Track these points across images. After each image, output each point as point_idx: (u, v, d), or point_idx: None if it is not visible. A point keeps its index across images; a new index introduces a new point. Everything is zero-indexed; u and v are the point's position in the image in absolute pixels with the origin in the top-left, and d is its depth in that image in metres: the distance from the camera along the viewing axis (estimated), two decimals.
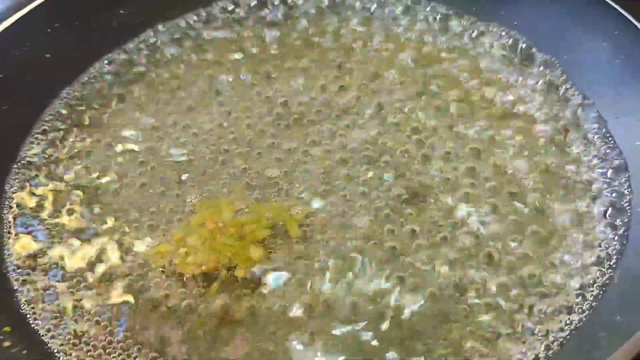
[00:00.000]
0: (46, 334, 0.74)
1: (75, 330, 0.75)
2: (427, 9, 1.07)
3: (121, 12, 1.04)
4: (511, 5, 1.02)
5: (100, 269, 0.79)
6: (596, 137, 0.89)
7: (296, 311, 0.75)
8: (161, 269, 0.78)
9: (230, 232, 0.79)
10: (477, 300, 0.74)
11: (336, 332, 0.73)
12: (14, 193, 0.87)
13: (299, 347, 0.72)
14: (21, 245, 0.82)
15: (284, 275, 0.77)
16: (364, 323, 0.73)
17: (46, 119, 0.95)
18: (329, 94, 0.96)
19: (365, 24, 1.07)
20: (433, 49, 1.02)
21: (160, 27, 1.07)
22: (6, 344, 0.70)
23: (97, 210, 0.85)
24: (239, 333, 0.73)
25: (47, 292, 0.78)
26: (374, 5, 1.09)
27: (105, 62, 1.02)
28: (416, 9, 1.08)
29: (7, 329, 0.72)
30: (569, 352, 0.70)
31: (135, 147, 0.91)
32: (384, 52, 1.03)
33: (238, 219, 0.81)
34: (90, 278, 0.79)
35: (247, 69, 1.01)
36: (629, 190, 0.83)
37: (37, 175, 0.89)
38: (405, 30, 1.06)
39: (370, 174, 0.86)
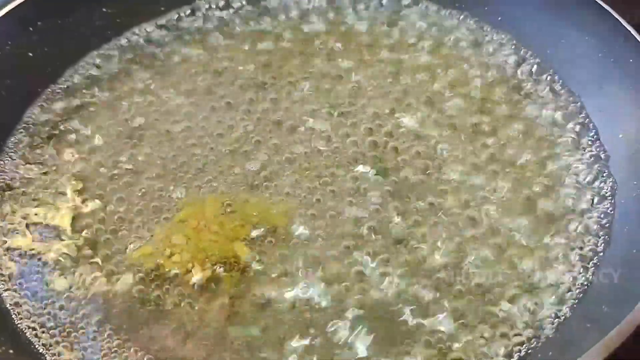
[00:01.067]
0: (32, 334, 0.74)
1: (62, 330, 0.74)
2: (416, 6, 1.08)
3: (104, 10, 1.04)
4: (495, 1, 1.03)
5: (88, 269, 0.79)
6: (580, 130, 0.89)
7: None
8: (149, 269, 0.78)
9: (215, 230, 0.79)
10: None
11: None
12: None
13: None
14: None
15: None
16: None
17: (28, 118, 0.94)
18: (317, 92, 0.96)
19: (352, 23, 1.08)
20: (412, 41, 1.03)
21: (144, 25, 1.06)
22: None
23: (78, 213, 0.84)
24: (231, 332, 0.74)
25: (33, 292, 0.77)
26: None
27: (88, 61, 1.02)
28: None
29: None
30: (555, 342, 0.70)
31: (120, 147, 0.91)
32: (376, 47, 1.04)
33: (222, 216, 0.81)
34: (78, 279, 0.78)
35: (233, 67, 1.01)
36: (613, 183, 0.83)
37: (19, 175, 0.88)
38: (394, 22, 1.07)
39: (358, 169, 0.86)
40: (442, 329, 0.72)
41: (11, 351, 0.70)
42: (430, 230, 0.80)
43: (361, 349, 0.71)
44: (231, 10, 1.09)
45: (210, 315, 0.74)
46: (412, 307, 0.74)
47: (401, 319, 0.73)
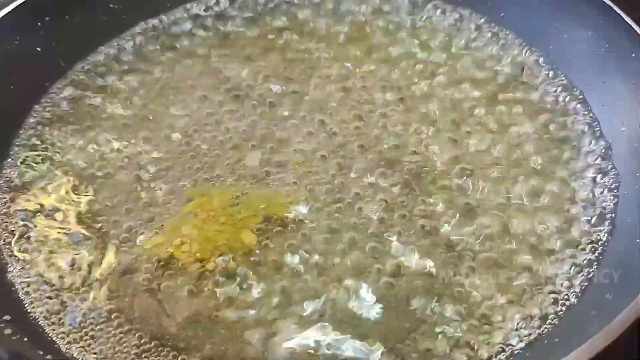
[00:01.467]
0: (45, 323, 0.75)
1: (74, 319, 0.75)
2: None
3: (111, 6, 1.05)
4: None
5: (98, 259, 0.80)
6: (582, 124, 0.91)
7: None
8: (158, 259, 0.79)
9: (223, 221, 0.80)
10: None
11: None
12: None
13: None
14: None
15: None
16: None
17: (36, 113, 0.95)
18: (324, 86, 0.98)
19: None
20: (414, 38, 1.05)
21: (151, 20, 1.07)
22: (7, 331, 0.70)
23: (89, 203, 0.85)
24: (237, 319, 0.74)
25: (45, 282, 0.78)
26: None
27: (96, 56, 1.03)
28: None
29: (6, 317, 0.72)
30: (561, 329, 0.72)
31: (128, 140, 0.92)
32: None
33: (230, 208, 0.82)
34: (88, 269, 0.79)
35: (237, 62, 1.02)
36: (615, 174, 0.85)
37: (26, 171, 0.89)
38: (389, 17, 1.09)
39: (363, 162, 0.87)
40: (451, 315, 0.74)
41: (25, 339, 0.71)
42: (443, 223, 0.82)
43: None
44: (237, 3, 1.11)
45: (220, 304, 0.75)
46: (419, 298, 0.75)
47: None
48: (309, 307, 0.74)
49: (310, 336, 0.72)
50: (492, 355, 0.71)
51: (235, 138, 0.91)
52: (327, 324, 0.73)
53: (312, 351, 0.71)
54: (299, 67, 1.01)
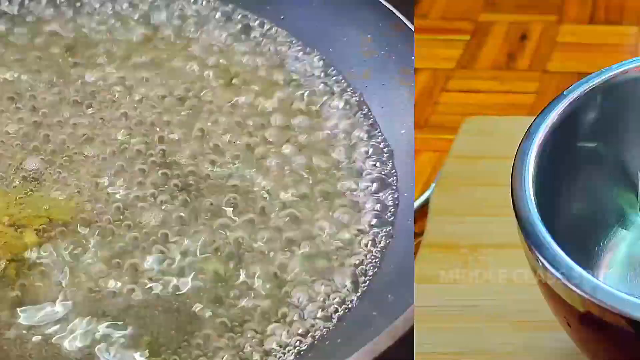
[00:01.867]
0: None
1: None
2: None
3: None
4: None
5: None
6: (363, 127, 0.91)
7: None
8: None
9: (4, 222, 0.77)
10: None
11: None
12: None
13: None
14: None
15: None
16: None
17: None
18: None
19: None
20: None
21: None
22: None
23: None
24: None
25: None
26: None
27: None
28: None
29: None
30: (343, 331, 0.70)
31: None
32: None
33: (12, 209, 0.79)
34: None
35: (17, 65, 0.96)
36: (395, 177, 0.85)
37: None
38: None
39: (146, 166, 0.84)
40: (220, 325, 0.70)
41: None
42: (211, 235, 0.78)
43: None
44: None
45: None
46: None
47: None
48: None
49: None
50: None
51: (17, 140, 0.86)
52: None
53: None
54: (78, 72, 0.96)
